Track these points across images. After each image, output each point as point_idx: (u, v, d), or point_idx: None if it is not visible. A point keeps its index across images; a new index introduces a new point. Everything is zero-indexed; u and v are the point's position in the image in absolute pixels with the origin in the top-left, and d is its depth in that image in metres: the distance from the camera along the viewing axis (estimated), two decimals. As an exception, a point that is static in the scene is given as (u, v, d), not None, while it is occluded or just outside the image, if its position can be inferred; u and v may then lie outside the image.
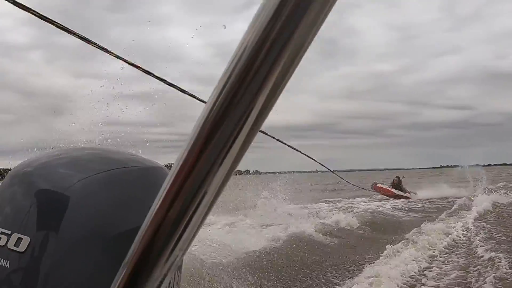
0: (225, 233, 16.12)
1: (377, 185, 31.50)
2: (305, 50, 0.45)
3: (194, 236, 0.53)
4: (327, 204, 28.24)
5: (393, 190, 30.98)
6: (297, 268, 11.80)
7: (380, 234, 17.08)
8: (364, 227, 18.56)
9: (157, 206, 0.53)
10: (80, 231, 0.88)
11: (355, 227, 18.45)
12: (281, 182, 28.83)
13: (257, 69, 0.45)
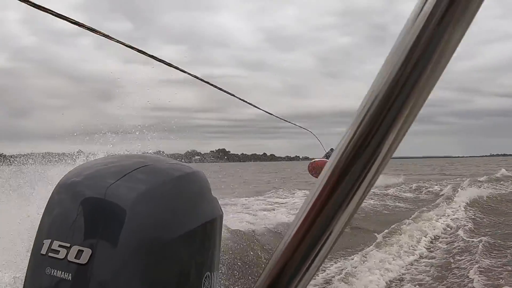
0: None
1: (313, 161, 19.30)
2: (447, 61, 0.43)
3: (316, 272, 0.53)
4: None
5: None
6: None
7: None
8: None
9: (287, 242, 0.51)
10: (137, 241, 0.91)
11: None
12: None
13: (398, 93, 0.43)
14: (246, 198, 21.26)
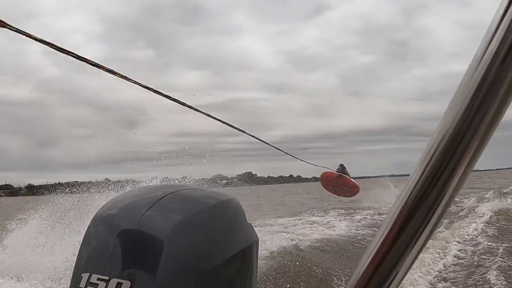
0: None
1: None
2: None
3: None
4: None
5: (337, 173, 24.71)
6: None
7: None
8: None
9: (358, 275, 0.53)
10: (176, 271, 0.92)
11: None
12: None
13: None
14: (286, 218, 21.90)
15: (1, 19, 0.98)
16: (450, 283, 9.81)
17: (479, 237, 13.79)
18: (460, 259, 11.66)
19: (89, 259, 0.97)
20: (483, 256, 11.31)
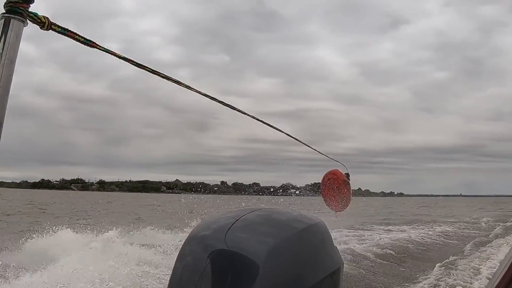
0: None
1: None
2: None
3: None
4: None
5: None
6: None
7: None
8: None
9: None
10: None
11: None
12: None
13: None
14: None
15: (92, 40, 1.03)
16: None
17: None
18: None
19: (183, 277, 1.00)
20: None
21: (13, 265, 9.61)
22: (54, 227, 13.92)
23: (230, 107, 1.63)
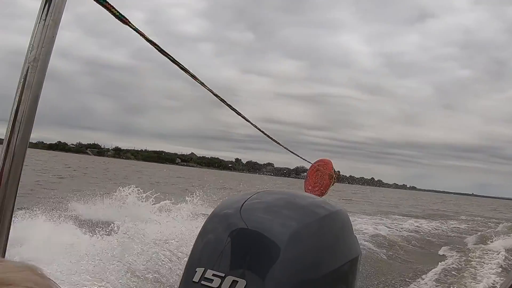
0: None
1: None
2: None
3: None
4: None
5: None
6: None
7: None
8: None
9: None
10: (288, 277, 0.93)
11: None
12: None
13: None
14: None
15: (126, 17, 1.02)
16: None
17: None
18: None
19: (204, 254, 0.99)
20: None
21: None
22: (121, 190, 14.54)
23: (231, 108, 1.64)
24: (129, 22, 1.04)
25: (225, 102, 1.54)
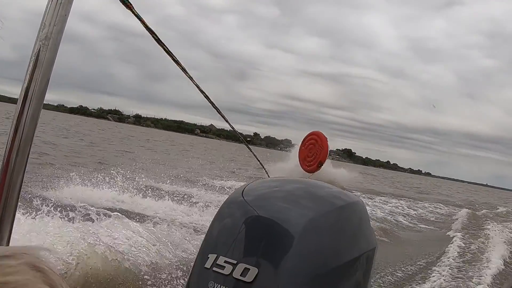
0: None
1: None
2: None
3: None
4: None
5: None
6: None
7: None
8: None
9: None
10: (303, 267, 0.92)
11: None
12: None
13: None
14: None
15: (131, 2, 1.01)
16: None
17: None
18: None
19: (218, 241, 0.99)
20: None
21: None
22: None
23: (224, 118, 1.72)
24: (133, 8, 1.04)
25: (213, 104, 1.64)
